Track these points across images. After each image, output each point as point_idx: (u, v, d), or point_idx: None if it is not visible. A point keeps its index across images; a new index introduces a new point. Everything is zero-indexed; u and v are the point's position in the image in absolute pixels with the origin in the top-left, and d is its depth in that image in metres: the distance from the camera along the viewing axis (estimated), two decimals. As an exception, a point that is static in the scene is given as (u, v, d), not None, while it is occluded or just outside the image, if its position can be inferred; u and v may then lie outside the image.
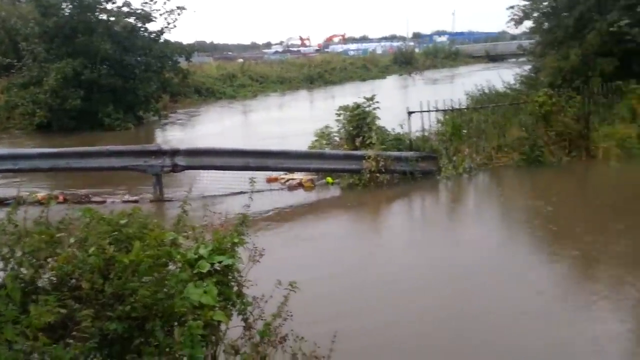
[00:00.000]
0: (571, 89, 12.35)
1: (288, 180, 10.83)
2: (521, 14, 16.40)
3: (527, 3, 16.28)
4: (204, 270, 3.06)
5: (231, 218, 4.02)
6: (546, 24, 16.28)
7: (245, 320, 3.29)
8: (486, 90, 15.62)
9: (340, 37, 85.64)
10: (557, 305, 5.45)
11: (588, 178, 10.76)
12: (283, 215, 9.05)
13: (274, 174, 10.94)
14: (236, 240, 3.28)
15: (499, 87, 15.99)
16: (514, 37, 40.33)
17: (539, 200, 9.17)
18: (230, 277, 3.30)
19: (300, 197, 10.23)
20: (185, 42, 25.69)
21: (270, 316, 3.28)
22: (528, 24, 17.12)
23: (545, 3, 16.11)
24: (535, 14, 16.44)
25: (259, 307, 3.38)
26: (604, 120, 12.04)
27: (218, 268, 3.20)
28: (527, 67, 18.29)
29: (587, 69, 13.71)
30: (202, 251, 3.13)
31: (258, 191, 10.36)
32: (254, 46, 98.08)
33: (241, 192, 9.18)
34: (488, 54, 53.78)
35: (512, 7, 16.47)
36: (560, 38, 14.91)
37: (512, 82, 16.70)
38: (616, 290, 5.76)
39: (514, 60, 32.06)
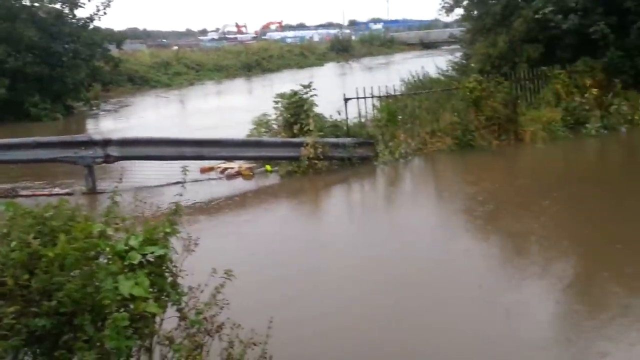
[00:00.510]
0: (500, 74, 12.82)
1: (225, 169, 10.72)
2: (451, 2, 16.82)
3: (457, -9, 16.70)
4: (135, 262, 2.99)
5: (165, 208, 3.94)
6: (475, 11, 16.76)
7: (180, 310, 3.24)
8: (420, 77, 15.94)
9: (277, 25, 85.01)
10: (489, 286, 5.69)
11: (517, 160, 11.22)
12: (221, 205, 8.97)
13: (209, 164, 10.78)
14: (168, 230, 3.22)
15: (433, 73, 16.38)
16: (446, 25, 41.27)
17: (472, 183, 9.52)
18: (163, 268, 3.24)
19: (239, 185, 10.17)
20: (116, 29, 24.87)
21: (204, 305, 3.25)
22: (459, 11, 17.61)
23: (474, -9, 16.56)
24: (465, 2, 16.90)
25: (195, 297, 3.34)
26: (530, 104, 12.57)
27: (150, 259, 3.13)
28: (459, 54, 18.81)
29: (514, 55, 14.23)
30: (133, 242, 3.06)
31: (195, 181, 10.23)
32: (189, 33, 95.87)
33: (178, 183, 8.94)
34: (422, 42, 54.78)
35: (443, -5, 16.86)
36: (489, 25, 15.37)
37: (445, 68, 17.14)
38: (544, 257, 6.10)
39: (446, 47, 32.84)
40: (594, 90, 12.46)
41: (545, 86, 13.00)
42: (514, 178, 10.02)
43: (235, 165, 10.84)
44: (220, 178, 10.49)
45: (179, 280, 3.35)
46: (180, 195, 3.78)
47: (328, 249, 6.98)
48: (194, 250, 3.46)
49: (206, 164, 10.71)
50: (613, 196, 8.32)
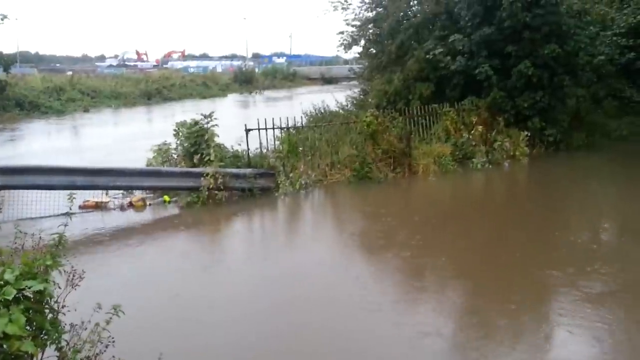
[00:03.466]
0: (395, 110, 13.50)
1: (105, 202, 10.17)
2: (350, 40, 17.53)
3: (354, 30, 17.44)
4: (10, 297, 2.77)
5: (48, 240, 3.70)
6: (372, 49, 17.57)
7: (59, 350, 3.04)
8: (321, 110, 16.35)
9: (180, 54, 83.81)
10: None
11: (410, 191, 11.74)
12: (110, 237, 8.56)
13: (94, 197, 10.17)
14: (49, 262, 3.03)
15: (333, 107, 16.85)
16: (346, 62, 42.80)
17: (368, 214, 9.89)
18: (43, 304, 3.03)
19: (132, 217, 9.76)
20: (5, 52, 23.29)
21: (85, 343, 3.07)
22: (358, 49, 18.37)
23: (371, 30, 17.39)
24: (363, 41, 17.68)
25: (77, 335, 3.15)
26: (423, 139, 13.27)
27: (28, 294, 2.92)
28: (357, 89, 19.54)
29: (408, 92, 15.01)
30: (8, 276, 2.84)
31: (85, 212, 9.74)
32: (85, 59, 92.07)
33: (66, 214, 8.46)
34: (323, 77, 56.30)
35: (341, 33, 17.55)
36: (385, 63, 16.18)
37: (344, 103, 17.71)
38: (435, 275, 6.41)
39: (346, 82, 34.00)
40: (480, 128, 13.43)
41: (436, 122, 13.78)
42: (407, 209, 10.48)
43: (113, 198, 10.37)
44: (114, 209, 10.03)
45: (61, 317, 3.15)
46: (65, 225, 3.58)
47: (223, 284, 6.86)
48: (78, 285, 3.27)
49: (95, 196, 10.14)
50: (496, 225, 9.01)
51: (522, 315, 5.65)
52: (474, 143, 13.21)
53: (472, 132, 13.36)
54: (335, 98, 17.20)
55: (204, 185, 10.03)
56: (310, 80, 55.78)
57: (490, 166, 12.87)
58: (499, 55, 14.35)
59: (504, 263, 7.24)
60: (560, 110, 14.48)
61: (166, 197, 10.49)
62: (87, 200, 10.04)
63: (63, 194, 8.75)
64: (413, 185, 11.81)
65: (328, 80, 52.32)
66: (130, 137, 18.93)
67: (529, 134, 13.80)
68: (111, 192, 10.30)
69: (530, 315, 5.67)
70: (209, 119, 11.19)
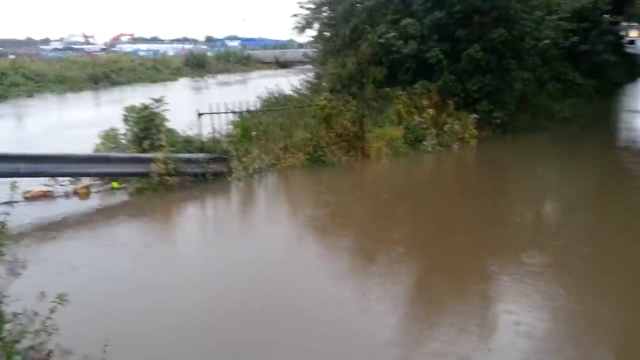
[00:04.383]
0: (348, 94, 13.54)
1: (51, 191, 9.89)
2: (304, 23, 17.42)
3: (309, 13, 17.35)
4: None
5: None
6: (326, 33, 17.53)
7: (1, 339, 2.95)
8: (275, 94, 16.24)
9: (129, 37, 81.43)
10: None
11: (363, 174, 11.85)
12: (54, 225, 8.34)
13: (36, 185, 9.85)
14: (-12, 251, 2.93)
15: (287, 91, 16.76)
16: (300, 45, 42.57)
17: (323, 197, 9.95)
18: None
19: (77, 205, 9.50)
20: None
21: (26, 332, 3.00)
22: (312, 32, 18.28)
23: (325, 14, 17.33)
24: (317, 24, 17.60)
25: (20, 324, 3.06)
26: (376, 123, 13.36)
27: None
28: (312, 73, 19.46)
29: (361, 76, 15.05)
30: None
31: (30, 200, 9.44)
32: (29, 42, 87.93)
33: (8, 202, 8.17)
34: (277, 61, 55.75)
35: (295, 15, 17.43)
36: (339, 47, 16.16)
37: (299, 87, 17.63)
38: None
39: (300, 66, 33.79)
40: (431, 111, 13.64)
41: (388, 106, 13.91)
42: (360, 192, 10.60)
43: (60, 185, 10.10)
44: (59, 196, 9.74)
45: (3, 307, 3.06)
46: (7, 214, 3.47)
47: (173, 270, 6.79)
48: (20, 274, 3.19)
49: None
50: (444, 205, 9.27)
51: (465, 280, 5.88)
52: (425, 126, 13.41)
53: (424, 115, 13.55)
54: (289, 82, 17.10)
55: (155, 171, 9.86)
56: (264, 64, 55.18)
57: (441, 149, 13.12)
58: (450, 39, 14.56)
59: (451, 240, 7.46)
60: (507, 93, 14.86)
61: (115, 184, 10.25)
62: (32, 189, 9.70)
63: (5, 182, 8.53)
64: (366, 169, 11.92)
65: (282, 64, 51.83)
66: (76, 124, 18.34)
67: (478, 117, 14.11)
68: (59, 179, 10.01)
69: (472, 279, 5.95)
70: (160, 103, 10.97)
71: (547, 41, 16.00)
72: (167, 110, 10.94)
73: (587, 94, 19.98)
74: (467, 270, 6.44)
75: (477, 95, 14.34)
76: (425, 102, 13.92)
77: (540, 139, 14.38)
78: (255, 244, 7.66)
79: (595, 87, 20.71)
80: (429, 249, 7.24)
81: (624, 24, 28.92)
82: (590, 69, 20.91)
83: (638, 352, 4.81)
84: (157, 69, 43.74)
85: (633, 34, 35.04)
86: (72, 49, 61.59)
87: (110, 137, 11.47)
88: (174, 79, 41.70)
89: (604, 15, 21.90)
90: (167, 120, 10.91)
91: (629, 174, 11.41)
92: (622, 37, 28.76)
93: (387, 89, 14.16)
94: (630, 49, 31.03)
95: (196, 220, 9.25)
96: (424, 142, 13.09)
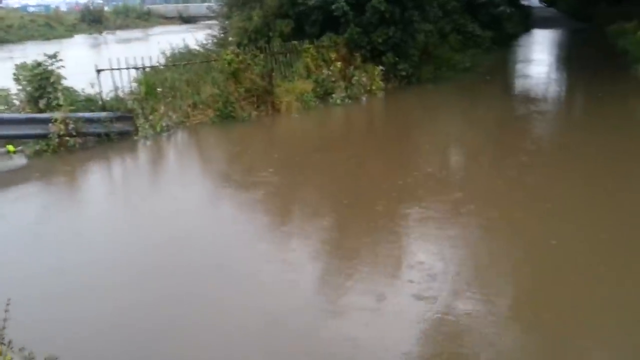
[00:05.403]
0: (256, 48, 13.34)
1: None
2: (206, -25, 16.79)
3: (210, -36, 16.73)
4: None
5: None
6: (230, -15, 17.01)
7: None
8: (180, 50, 15.68)
9: (16, -10, 74.53)
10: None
11: (274, 129, 11.86)
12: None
13: None
14: None
15: (192, 46, 16.22)
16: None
17: (234, 153, 9.96)
18: None
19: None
20: None
21: None
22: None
23: (227, -35, 16.77)
24: (219, -24, 17.02)
25: None
26: (285, 77, 13.35)
27: None
28: (218, 28, 18.89)
29: (268, 29, 14.83)
30: None
31: None
32: None
33: None
34: (181, 16, 53.53)
35: (197, -33, 16.73)
36: (244, 0, 15.77)
37: (205, 42, 17.10)
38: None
39: (205, 21, 32.68)
40: (338, 64, 13.78)
41: (297, 60, 13.89)
42: (272, 146, 10.65)
43: None
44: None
45: None
46: None
47: (79, 236, 6.61)
48: None
49: None
50: (354, 155, 9.54)
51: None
52: (333, 79, 13.55)
53: (332, 68, 13.67)
54: (195, 37, 16.53)
55: (54, 132, 9.39)
56: (167, 19, 52.65)
57: (350, 101, 13.34)
58: (355, -9, 14.60)
59: (363, 188, 7.76)
60: (411, 45, 15.21)
61: (10, 147, 9.58)
62: None
63: None
64: (277, 123, 11.95)
65: (186, 20, 49.80)
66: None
67: (384, 69, 14.44)
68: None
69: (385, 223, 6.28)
70: (54, 60, 10.31)
71: (447, -7, 16.50)
72: (63, 67, 10.31)
73: (485, 45, 20.96)
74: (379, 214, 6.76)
75: (383, 48, 14.59)
76: (333, 55, 14.03)
77: (444, 89, 14.98)
78: (165, 201, 7.56)
79: (492, 38, 21.75)
80: (342, 200, 7.46)
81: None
82: (488, 21, 21.92)
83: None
84: (51, 26, 40.56)
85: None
86: (-52, 4, 55.63)
87: (1, 97, 10.68)
88: (70, 36, 38.95)
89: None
90: (64, 78, 10.31)
91: (524, 119, 12.20)
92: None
93: (295, 42, 14.08)
94: (524, 1, 32.63)
95: (102, 180, 8.93)
96: (333, 95, 13.26)
